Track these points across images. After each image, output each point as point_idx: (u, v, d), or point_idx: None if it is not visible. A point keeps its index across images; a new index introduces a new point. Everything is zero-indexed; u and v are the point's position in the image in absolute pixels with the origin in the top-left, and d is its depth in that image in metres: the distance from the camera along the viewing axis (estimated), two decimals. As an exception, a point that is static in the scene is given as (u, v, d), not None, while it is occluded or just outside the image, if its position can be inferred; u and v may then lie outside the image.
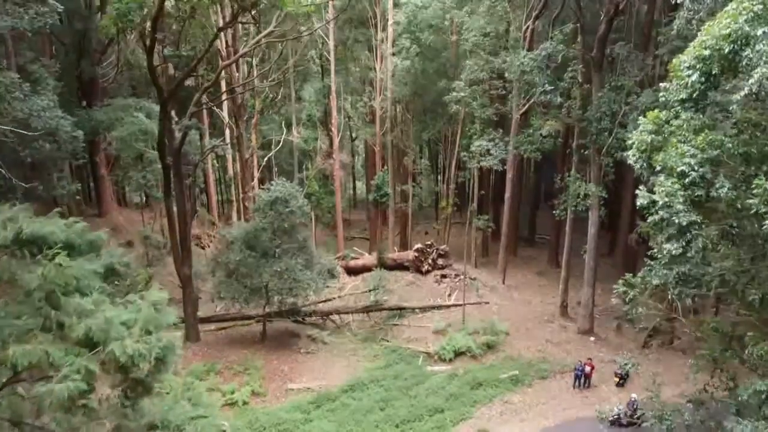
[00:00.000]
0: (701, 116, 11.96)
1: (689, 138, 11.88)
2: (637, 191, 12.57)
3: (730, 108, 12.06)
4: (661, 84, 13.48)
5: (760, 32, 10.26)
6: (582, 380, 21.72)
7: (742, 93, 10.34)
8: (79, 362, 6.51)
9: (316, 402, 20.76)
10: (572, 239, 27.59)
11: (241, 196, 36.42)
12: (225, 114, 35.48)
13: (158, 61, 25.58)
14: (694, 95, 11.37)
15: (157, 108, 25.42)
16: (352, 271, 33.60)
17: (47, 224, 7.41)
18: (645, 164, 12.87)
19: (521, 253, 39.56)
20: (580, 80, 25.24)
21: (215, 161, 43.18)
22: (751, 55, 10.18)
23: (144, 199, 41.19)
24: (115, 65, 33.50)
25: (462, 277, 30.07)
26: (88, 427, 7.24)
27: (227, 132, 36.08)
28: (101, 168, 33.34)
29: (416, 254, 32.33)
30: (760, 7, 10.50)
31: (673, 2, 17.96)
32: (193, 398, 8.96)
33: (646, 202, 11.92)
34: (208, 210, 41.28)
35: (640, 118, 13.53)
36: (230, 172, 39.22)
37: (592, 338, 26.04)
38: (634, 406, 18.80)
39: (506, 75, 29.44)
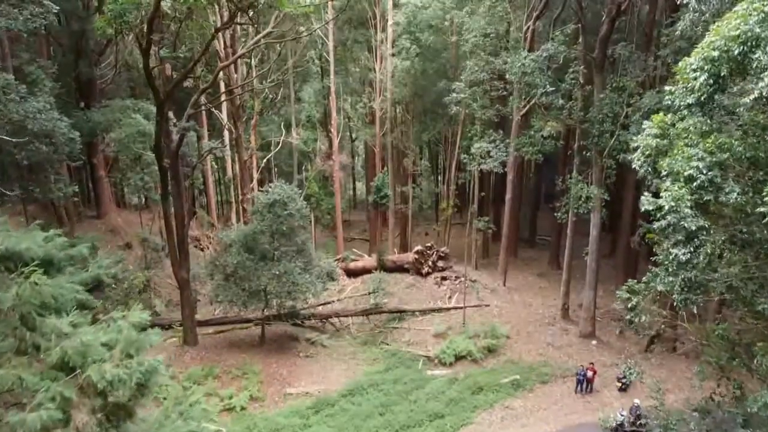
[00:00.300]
0: (708, 120, 11.71)
1: (696, 141, 11.64)
2: (642, 197, 12.34)
3: (737, 111, 11.83)
4: (666, 87, 13.24)
5: (771, 34, 10.01)
6: (584, 385, 21.53)
7: (752, 96, 10.09)
8: (54, 388, 6.22)
9: (315, 407, 20.58)
10: (573, 241, 27.38)
11: (240, 197, 36.16)
12: (224, 115, 35.24)
13: (155, 63, 25.34)
14: (702, 98, 11.12)
15: (155, 109, 25.18)
16: (351, 273, 33.39)
17: (24, 239, 7.07)
18: (650, 168, 12.66)
19: (522, 254, 39.37)
20: (582, 81, 24.99)
21: (214, 163, 42.93)
22: (761, 58, 9.93)
23: (143, 200, 40.93)
24: (113, 66, 33.38)
25: (462, 279, 29.85)
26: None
27: (226, 133, 35.85)
28: (100, 169, 33.13)
29: (416, 256, 32.11)
30: (772, 8, 10.25)
31: (678, 2, 17.69)
32: (185, 411, 8.63)
33: (651, 207, 11.67)
34: (207, 211, 41.03)
35: (644, 122, 13.31)
36: (229, 173, 38.96)
37: (593, 342, 25.82)
38: (637, 412, 18.53)
39: (507, 76, 29.09)
